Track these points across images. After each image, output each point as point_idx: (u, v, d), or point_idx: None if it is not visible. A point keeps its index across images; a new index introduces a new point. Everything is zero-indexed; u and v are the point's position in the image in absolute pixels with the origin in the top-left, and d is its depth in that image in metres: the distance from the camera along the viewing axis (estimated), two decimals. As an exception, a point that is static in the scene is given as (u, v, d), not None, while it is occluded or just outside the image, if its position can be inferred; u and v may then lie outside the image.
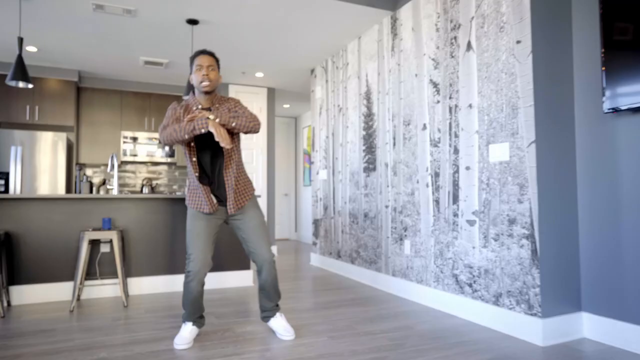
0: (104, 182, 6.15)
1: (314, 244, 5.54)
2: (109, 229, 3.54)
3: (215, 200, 2.53)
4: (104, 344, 2.52)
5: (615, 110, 2.39)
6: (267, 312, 2.70)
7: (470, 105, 3.08)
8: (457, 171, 3.19)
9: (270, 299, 2.68)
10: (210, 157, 2.54)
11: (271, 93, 6.77)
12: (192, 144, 2.49)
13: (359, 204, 4.50)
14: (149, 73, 5.98)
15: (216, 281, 4.10)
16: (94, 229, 3.48)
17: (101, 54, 5.20)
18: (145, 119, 6.39)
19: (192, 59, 2.52)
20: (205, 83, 2.46)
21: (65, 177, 5.43)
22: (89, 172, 6.28)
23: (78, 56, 5.26)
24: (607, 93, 2.41)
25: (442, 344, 2.53)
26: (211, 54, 2.52)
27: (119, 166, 6.44)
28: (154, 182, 6.61)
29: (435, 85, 3.44)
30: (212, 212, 2.51)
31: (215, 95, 2.59)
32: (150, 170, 6.67)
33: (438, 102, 3.41)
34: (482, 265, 2.93)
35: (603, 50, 2.43)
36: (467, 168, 3.09)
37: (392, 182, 3.96)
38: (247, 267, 4.25)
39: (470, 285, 3.03)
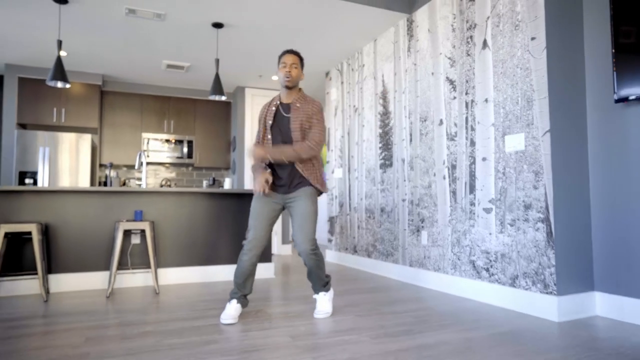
0: (124, 183, 6.36)
1: (330, 240, 5.70)
2: (142, 220, 3.72)
3: (264, 182, 2.69)
4: (146, 321, 2.70)
5: (625, 100, 2.57)
6: (313, 288, 2.91)
7: (486, 100, 3.27)
8: (473, 162, 3.37)
9: (312, 281, 2.87)
10: (280, 141, 2.79)
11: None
12: (267, 127, 2.81)
13: (376, 200, 4.67)
14: (169, 77, 6.21)
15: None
16: (128, 220, 3.66)
17: (126, 58, 5.43)
18: (165, 121, 6.61)
19: (279, 57, 2.80)
20: (287, 78, 2.73)
21: (90, 177, 5.64)
22: (115, 173, 6.49)
23: (104, 60, 5.49)
24: (617, 84, 2.59)
25: (462, 320, 2.69)
26: (296, 53, 2.79)
27: (139, 166, 6.65)
28: (172, 183, 6.81)
29: (451, 82, 3.63)
30: (262, 193, 2.75)
31: (299, 91, 2.83)
32: (169, 171, 6.88)
33: (454, 98, 3.59)
34: (499, 250, 3.09)
35: (613, 44, 2.62)
36: (484, 159, 3.27)
37: (409, 177, 4.14)
38: (268, 260, 4.42)
39: (487, 270, 3.19)
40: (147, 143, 6.42)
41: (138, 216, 3.74)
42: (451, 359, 2.01)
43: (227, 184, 5.53)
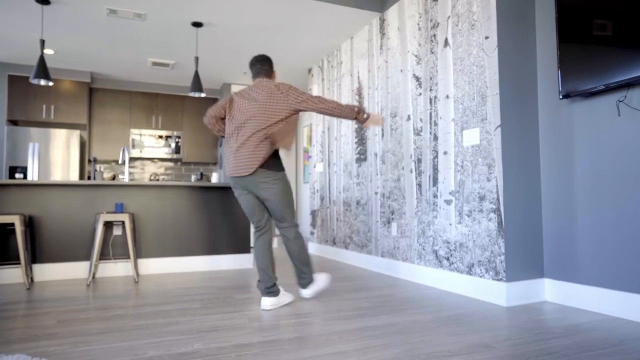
0: (113, 178, 6.52)
1: (312, 233, 5.87)
2: (122, 212, 3.89)
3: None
4: (119, 306, 2.87)
5: (568, 96, 2.71)
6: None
7: (447, 96, 3.41)
8: (436, 156, 3.52)
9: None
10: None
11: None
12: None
13: (352, 193, 4.82)
14: (156, 74, 6.36)
15: (215, 263, 4.44)
16: (108, 212, 3.83)
17: (112, 56, 5.58)
18: (153, 117, 6.76)
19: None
20: None
21: (79, 172, 5.80)
22: (100, 167, 6.66)
23: (91, 58, 5.64)
24: (562, 81, 2.73)
25: (417, 305, 2.85)
26: (262, 63, 2.96)
27: (129, 162, 6.81)
28: (161, 178, 6.98)
29: (417, 79, 3.78)
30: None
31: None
32: (157, 166, 7.04)
33: (420, 94, 3.74)
34: (458, 239, 3.25)
35: (558, 43, 2.76)
36: (445, 153, 3.42)
37: (381, 170, 4.29)
38: (246, 251, 4.58)
39: (447, 259, 3.35)
40: (136, 139, 6.58)
41: (118, 208, 3.90)
42: (391, 337, 2.17)
43: (215, 179, 5.70)
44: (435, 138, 3.53)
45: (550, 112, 2.98)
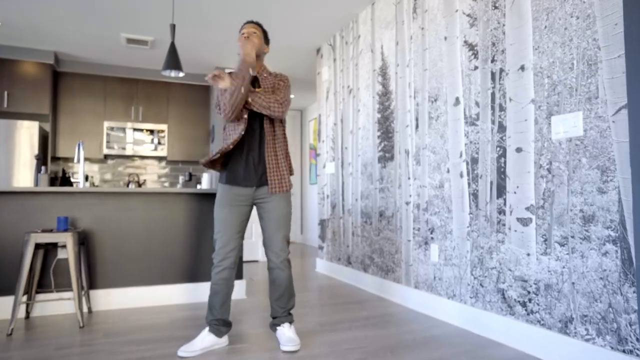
0: (85, 179, 5.50)
1: (320, 247, 4.82)
2: (65, 229, 2.85)
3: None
4: (26, 387, 1.83)
5: None
6: (277, 316, 2.37)
7: (522, 67, 2.35)
8: (503, 154, 2.46)
9: (280, 304, 2.36)
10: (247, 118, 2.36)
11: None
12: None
13: (373, 201, 3.77)
14: (134, 55, 5.31)
15: (198, 293, 3.40)
16: (44, 230, 2.79)
17: (77, 31, 4.54)
18: (132, 108, 5.72)
19: (240, 31, 2.41)
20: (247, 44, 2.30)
21: (36, 173, 4.77)
22: (70, 167, 5.63)
23: (51, 33, 4.61)
24: None
25: (496, 391, 1.79)
26: (256, 23, 2.42)
27: (102, 160, 5.78)
28: (142, 178, 5.94)
29: (471, 47, 2.71)
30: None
31: (263, 66, 2.46)
32: (137, 165, 6.00)
33: (475, 68, 2.68)
34: (542, 278, 2.19)
35: None
36: (519, 150, 2.36)
37: (415, 173, 3.23)
38: (238, 276, 3.53)
39: (523, 305, 2.29)
40: (112, 133, 5.55)
41: (61, 225, 2.86)
42: None
43: (206, 180, 4.64)
44: (502, 129, 2.47)
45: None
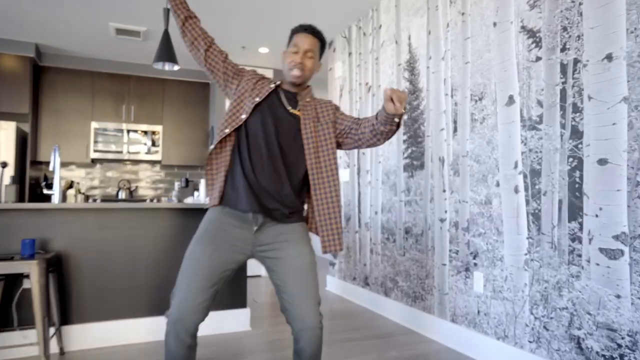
0: (70, 186, 4.98)
1: (332, 264, 4.31)
2: (32, 255, 2.33)
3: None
4: None
5: None
6: None
7: (608, 57, 1.85)
8: (578, 167, 1.95)
9: None
10: (264, 137, 1.68)
11: (279, 76, 5.54)
12: (249, 104, 1.69)
13: (397, 215, 3.26)
14: (125, 48, 4.80)
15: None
16: (3, 259, 2.26)
17: (60, 20, 4.02)
18: (124, 107, 5.21)
19: (292, 34, 1.78)
20: (296, 73, 1.68)
21: (17, 178, 4.26)
22: (52, 173, 5.11)
23: (31, 22, 4.09)
24: None
25: None
26: (317, 35, 1.74)
27: (90, 164, 5.26)
28: (133, 185, 5.42)
29: (532, 34, 2.21)
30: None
31: (307, 89, 1.79)
32: (128, 169, 5.48)
33: (538, 59, 2.17)
34: (639, 329, 1.69)
35: None
36: (603, 162, 1.85)
37: (452, 186, 2.73)
38: (241, 305, 3.02)
39: (611, 361, 1.79)
40: (100, 135, 5.03)
41: (27, 249, 2.34)
42: None
43: (204, 187, 4.11)
44: (577, 134, 1.96)
45: None
